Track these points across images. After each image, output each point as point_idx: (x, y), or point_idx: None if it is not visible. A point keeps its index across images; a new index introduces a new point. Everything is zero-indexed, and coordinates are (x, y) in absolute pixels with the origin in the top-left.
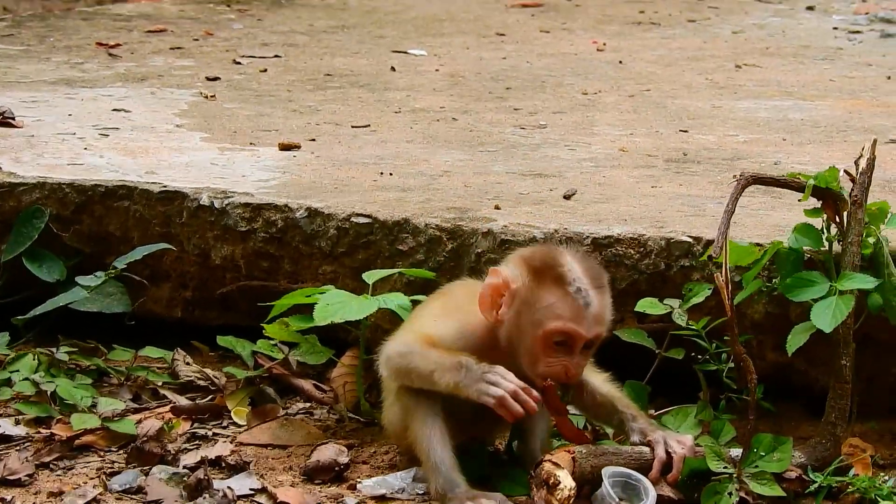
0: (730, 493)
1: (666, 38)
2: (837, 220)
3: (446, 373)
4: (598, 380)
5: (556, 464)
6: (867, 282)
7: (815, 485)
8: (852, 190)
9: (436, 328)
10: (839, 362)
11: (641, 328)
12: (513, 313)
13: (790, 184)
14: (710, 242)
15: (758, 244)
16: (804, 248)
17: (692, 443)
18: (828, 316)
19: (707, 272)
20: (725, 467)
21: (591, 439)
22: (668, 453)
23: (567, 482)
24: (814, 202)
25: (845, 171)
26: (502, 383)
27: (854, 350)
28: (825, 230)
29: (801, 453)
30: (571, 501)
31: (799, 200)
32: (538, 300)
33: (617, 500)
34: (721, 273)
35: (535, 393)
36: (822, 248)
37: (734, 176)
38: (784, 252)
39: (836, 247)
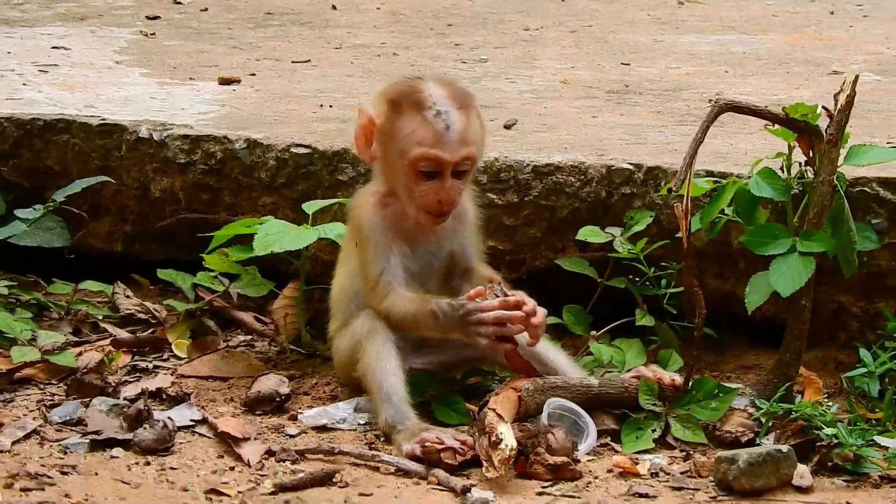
0: (653, 430)
1: None
2: (811, 154)
3: (428, 322)
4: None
5: (500, 416)
6: (828, 244)
7: (762, 412)
8: (828, 127)
9: (376, 262)
10: (799, 303)
11: (583, 257)
12: (381, 149)
13: (765, 114)
14: (651, 170)
15: (714, 178)
16: (765, 195)
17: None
18: (787, 280)
19: (648, 199)
20: (655, 404)
21: (538, 372)
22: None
23: (509, 441)
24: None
25: (823, 108)
26: (485, 320)
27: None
28: (784, 170)
29: (752, 390)
30: (512, 462)
31: (765, 128)
32: (399, 130)
33: (547, 424)
34: (681, 203)
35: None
36: (783, 199)
37: (709, 100)
38: (742, 191)
39: (796, 186)
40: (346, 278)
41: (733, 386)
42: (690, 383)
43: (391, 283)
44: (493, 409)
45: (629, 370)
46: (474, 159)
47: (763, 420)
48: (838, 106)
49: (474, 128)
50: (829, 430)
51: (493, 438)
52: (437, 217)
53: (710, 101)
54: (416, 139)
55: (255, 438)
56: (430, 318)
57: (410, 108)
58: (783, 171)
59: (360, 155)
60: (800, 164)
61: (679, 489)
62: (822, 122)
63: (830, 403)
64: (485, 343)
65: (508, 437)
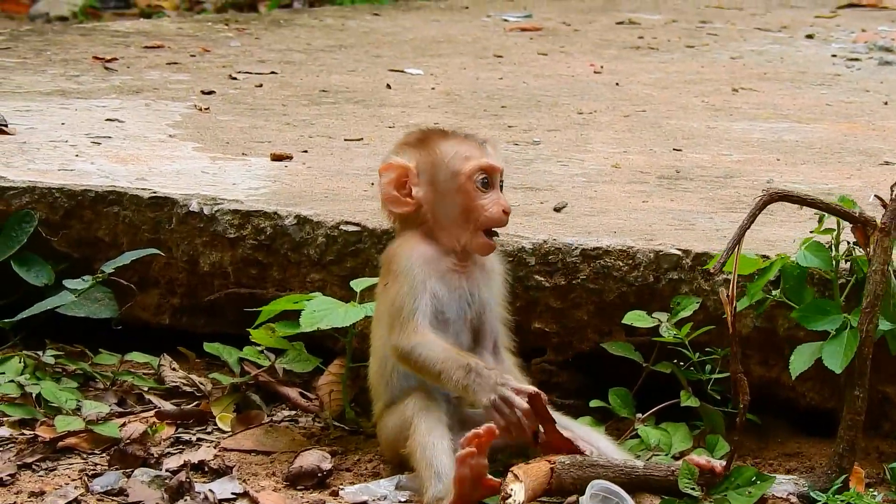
0: None
1: (663, 63)
2: (867, 245)
3: (454, 372)
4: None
5: (516, 476)
6: (883, 323)
7: None
8: (882, 217)
9: (410, 299)
10: (852, 392)
11: (629, 341)
12: (426, 187)
13: (817, 203)
14: (699, 256)
15: (763, 256)
16: (813, 266)
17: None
18: (839, 356)
19: (696, 285)
20: (693, 489)
21: (578, 448)
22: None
23: (518, 497)
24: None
25: (877, 197)
26: (516, 403)
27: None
28: (833, 248)
29: (806, 482)
30: None
31: (819, 221)
32: (443, 156)
33: None
34: (725, 288)
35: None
36: (830, 270)
37: (762, 190)
38: (790, 266)
39: (842, 265)
40: (382, 346)
41: (769, 476)
42: (731, 469)
43: (423, 322)
44: (512, 471)
45: (676, 455)
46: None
47: None
48: (893, 195)
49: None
50: None
51: (504, 494)
52: (493, 238)
53: (763, 190)
54: (464, 155)
55: None
56: (460, 370)
57: (442, 136)
58: (832, 249)
59: (396, 209)
60: (848, 242)
61: None
62: (877, 212)
63: (876, 493)
64: (500, 422)
65: (519, 493)
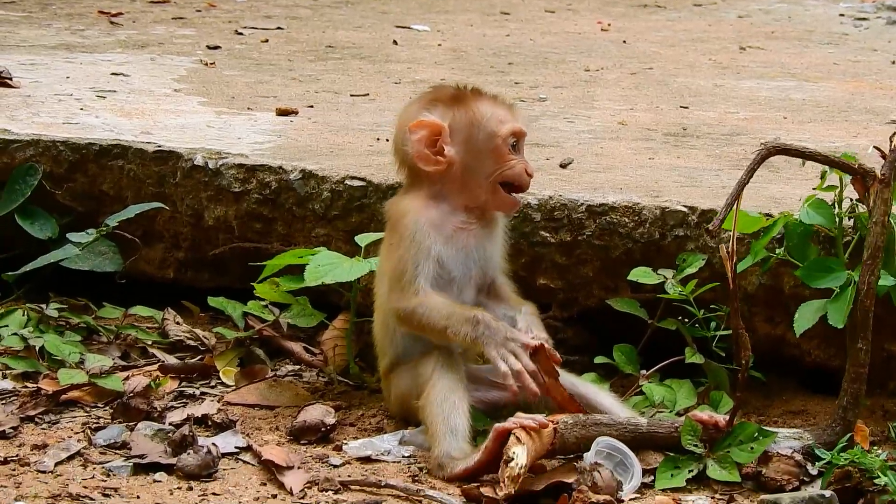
0: (690, 471)
1: (671, 21)
2: (866, 196)
3: (461, 326)
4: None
5: (518, 439)
6: (886, 279)
7: (822, 462)
8: (882, 168)
9: (413, 262)
10: (855, 346)
11: (635, 297)
12: (461, 144)
13: (816, 156)
14: (705, 212)
15: (767, 214)
16: (816, 224)
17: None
18: (842, 312)
19: (702, 242)
20: (696, 445)
21: (580, 406)
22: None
23: (520, 460)
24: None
25: (875, 148)
26: (523, 359)
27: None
28: (836, 206)
29: (811, 435)
30: (520, 480)
31: (821, 178)
32: (480, 116)
33: (593, 461)
34: (726, 244)
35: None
36: (833, 227)
37: (761, 143)
38: (793, 224)
39: (846, 222)
40: (385, 302)
41: (770, 431)
42: (733, 426)
43: (424, 285)
44: (514, 433)
45: (680, 412)
46: None
47: (824, 471)
48: (892, 146)
49: None
50: (882, 479)
51: (506, 457)
52: (517, 202)
53: (761, 144)
54: (498, 118)
55: (299, 467)
56: (467, 324)
57: (477, 96)
58: (835, 206)
59: (427, 167)
60: (851, 199)
61: None
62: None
63: (880, 451)
64: (507, 372)
65: (521, 456)
